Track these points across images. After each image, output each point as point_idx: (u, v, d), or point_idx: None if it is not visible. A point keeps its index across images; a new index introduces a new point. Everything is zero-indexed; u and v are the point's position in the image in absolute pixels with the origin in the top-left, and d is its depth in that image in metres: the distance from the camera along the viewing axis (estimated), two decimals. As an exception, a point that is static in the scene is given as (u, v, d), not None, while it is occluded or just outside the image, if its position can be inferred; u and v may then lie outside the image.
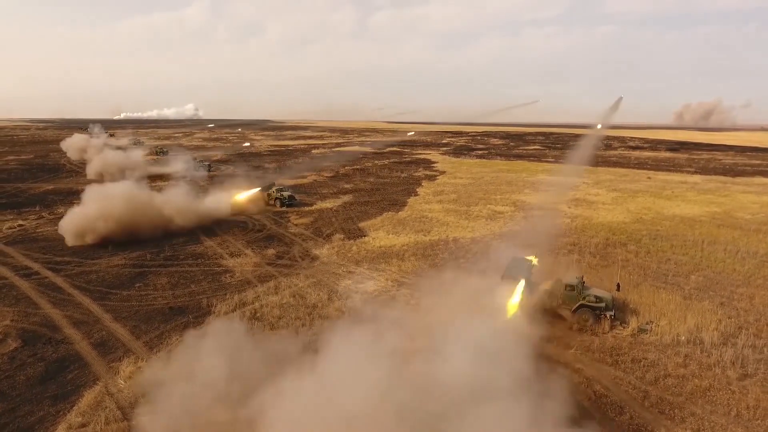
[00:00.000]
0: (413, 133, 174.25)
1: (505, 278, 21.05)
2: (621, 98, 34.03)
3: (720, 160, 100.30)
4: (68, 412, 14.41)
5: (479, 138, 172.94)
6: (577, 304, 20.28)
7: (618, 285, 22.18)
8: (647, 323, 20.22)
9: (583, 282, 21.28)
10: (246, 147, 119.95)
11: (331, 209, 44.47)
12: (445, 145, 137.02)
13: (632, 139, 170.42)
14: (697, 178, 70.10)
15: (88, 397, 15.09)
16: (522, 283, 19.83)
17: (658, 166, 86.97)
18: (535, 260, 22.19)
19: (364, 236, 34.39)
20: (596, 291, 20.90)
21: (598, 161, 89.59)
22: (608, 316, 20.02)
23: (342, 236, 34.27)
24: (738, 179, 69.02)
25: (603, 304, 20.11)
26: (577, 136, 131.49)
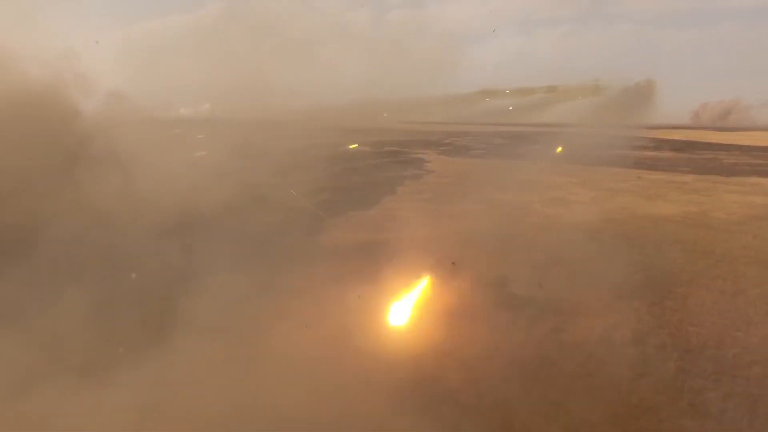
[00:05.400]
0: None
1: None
2: (652, 82, 24.23)
3: (721, 159, 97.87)
4: None
5: (483, 138, 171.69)
6: (491, 302, 20.14)
7: (539, 284, 21.99)
8: (563, 322, 20.01)
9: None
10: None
11: (301, 208, 44.68)
12: (447, 144, 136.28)
13: (640, 138, 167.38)
14: (688, 177, 68.57)
15: None
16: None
17: (654, 165, 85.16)
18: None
19: (320, 234, 34.57)
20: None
21: (595, 161, 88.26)
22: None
23: (299, 234, 34.45)
24: (732, 179, 67.30)
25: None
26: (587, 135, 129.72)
